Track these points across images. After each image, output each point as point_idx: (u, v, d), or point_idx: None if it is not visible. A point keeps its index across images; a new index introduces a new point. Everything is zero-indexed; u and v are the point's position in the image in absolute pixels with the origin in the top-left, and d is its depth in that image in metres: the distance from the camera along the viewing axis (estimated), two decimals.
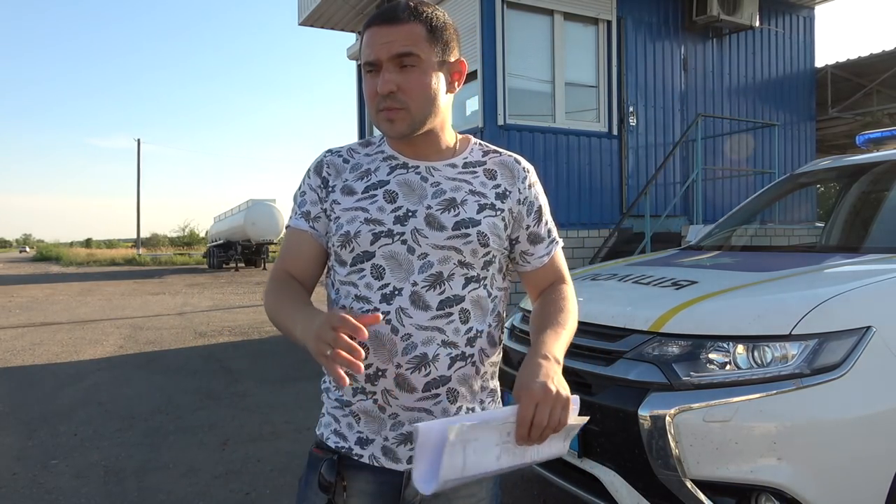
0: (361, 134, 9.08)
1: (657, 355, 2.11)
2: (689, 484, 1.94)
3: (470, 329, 1.17)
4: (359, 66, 9.00)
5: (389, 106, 1.14)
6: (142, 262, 29.59)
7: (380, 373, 1.14)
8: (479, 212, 1.19)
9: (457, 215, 1.17)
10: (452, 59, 1.20)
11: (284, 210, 26.26)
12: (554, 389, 1.01)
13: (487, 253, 1.19)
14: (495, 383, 1.27)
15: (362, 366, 0.96)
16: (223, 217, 32.09)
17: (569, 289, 1.30)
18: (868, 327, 1.94)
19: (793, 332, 1.94)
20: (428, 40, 1.14)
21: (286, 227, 1.29)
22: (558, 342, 1.14)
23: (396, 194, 1.18)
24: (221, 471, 3.65)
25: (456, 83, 1.22)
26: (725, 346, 2.02)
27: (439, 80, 1.17)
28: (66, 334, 8.66)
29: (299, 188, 1.27)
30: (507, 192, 1.23)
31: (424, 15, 1.15)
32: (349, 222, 1.17)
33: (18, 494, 3.37)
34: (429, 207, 1.17)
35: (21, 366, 6.65)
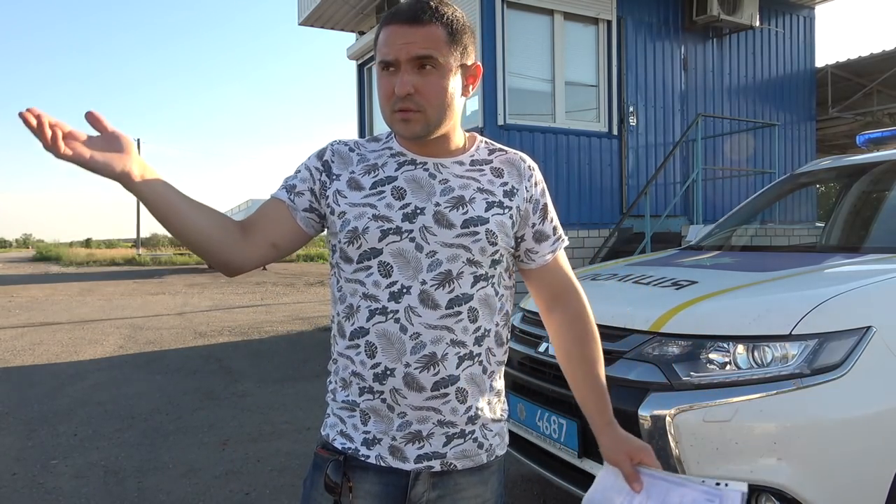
0: (361, 133, 9.08)
1: (657, 355, 2.11)
2: None
3: (478, 328, 1.17)
4: (359, 66, 9.02)
5: (406, 107, 1.12)
6: (142, 262, 29.57)
7: (388, 372, 1.14)
8: (487, 210, 1.18)
9: (465, 213, 1.16)
10: (469, 63, 1.19)
11: None
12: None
13: (496, 251, 1.18)
14: (501, 383, 1.26)
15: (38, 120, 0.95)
16: None
17: (587, 305, 1.33)
18: (868, 327, 1.94)
19: (793, 332, 1.94)
20: (448, 43, 1.13)
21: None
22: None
23: (405, 191, 1.17)
24: (221, 471, 3.65)
25: (470, 87, 1.21)
26: (725, 346, 2.02)
27: (456, 84, 1.16)
28: (66, 334, 8.65)
29: (294, 170, 1.24)
30: (515, 190, 1.23)
31: (446, 17, 1.14)
32: (356, 218, 1.15)
33: (18, 494, 3.37)
34: (437, 205, 1.16)
35: (21, 366, 6.65)
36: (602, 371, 1.30)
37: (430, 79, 1.12)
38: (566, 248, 1.34)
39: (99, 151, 1.01)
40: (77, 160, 0.99)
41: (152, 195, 1.07)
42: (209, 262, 1.16)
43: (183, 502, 3.26)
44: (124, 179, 1.04)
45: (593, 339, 1.31)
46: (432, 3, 1.14)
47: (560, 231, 1.32)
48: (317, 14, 9.05)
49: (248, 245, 1.17)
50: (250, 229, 1.19)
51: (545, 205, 1.29)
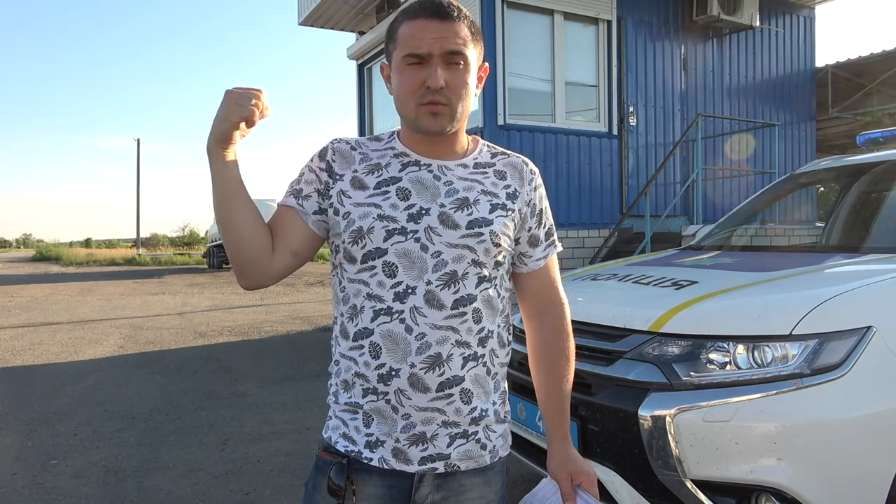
0: (362, 133, 9.07)
1: (657, 355, 2.11)
2: (689, 484, 1.94)
3: (482, 329, 1.18)
4: (359, 66, 9.01)
5: (436, 100, 1.14)
6: (141, 262, 29.54)
7: (393, 372, 1.13)
8: (491, 212, 1.19)
9: (470, 214, 1.17)
10: (480, 63, 1.22)
11: None
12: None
13: (499, 253, 1.19)
14: (504, 385, 1.27)
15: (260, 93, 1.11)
16: None
17: (567, 321, 1.33)
18: (868, 327, 1.93)
19: (793, 332, 1.94)
20: (471, 42, 1.16)
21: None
22: (568, 420, 1.32)
23: (409, 192, 1.17)
24: (221, 471, 3.65)
25: (479, 87, 1.23)
26: (725, 346, 2.01)
27: (473, 83, 1.19)
28: (66, 334, 8.65)
29: (298, 173, 1.24)
30: (517, 193, 1.24)
31: (469, 17, 1.17)
32: (361, 218, 1.15)
33: (18, 494, 3.37)
34: (442, 206, 1.16)
35: (21, 366, 6.66)
36: (569, 388, 1.31)
37: (458, 74, 1.15)
38: (565, 249, 1.35)
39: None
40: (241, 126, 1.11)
41: (231, 171, 1.13)
42: (241, 265, 1.17)
43: (183, 502, 3.26)
44: (227, 145, 1.12)
45: (567, 357, 1.32)
46: (454, 2, 1.16)
47: (554, 236, 1.32)
48: (317, 14, 9.04)
49: (273, 256, 1.19)
50: (272, 239, 1.19)
51: (542, 209, 1.30)
